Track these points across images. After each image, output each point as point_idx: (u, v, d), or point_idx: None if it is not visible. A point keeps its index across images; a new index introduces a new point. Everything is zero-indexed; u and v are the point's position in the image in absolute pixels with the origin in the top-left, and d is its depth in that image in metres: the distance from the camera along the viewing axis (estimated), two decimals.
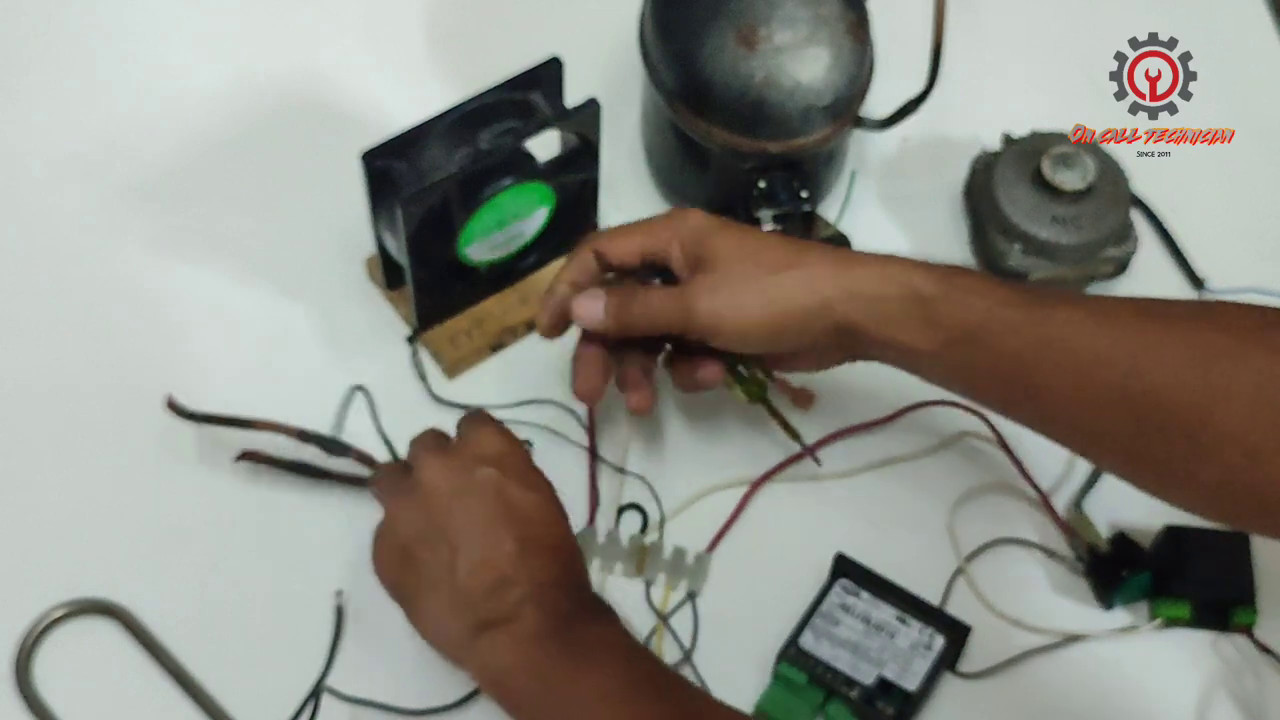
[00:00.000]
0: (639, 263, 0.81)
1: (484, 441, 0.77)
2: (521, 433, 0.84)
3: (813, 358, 0.82)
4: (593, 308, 0.81)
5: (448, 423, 0.89)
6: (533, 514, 0.75)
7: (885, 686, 0.81)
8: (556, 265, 0.95)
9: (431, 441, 0.79)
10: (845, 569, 0.85)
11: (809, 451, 0.87)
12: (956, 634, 0.83)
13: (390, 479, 0.79)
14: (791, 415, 0.87)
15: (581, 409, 0.90)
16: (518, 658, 0.71)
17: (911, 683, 0.81)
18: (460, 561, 0.73)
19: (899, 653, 0.82)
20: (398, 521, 0.76)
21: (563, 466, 0.88)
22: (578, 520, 0.85)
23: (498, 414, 0.89)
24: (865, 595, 0.84)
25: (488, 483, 0.75)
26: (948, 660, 0.83)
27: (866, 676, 0.81)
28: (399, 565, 0.76)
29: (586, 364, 0.83)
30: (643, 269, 0.81)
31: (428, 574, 0.74)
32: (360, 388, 0.90)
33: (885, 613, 0.83)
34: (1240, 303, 0.75)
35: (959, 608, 0.85)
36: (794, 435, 0.86)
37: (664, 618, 0.84)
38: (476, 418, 0.81)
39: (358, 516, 0.87)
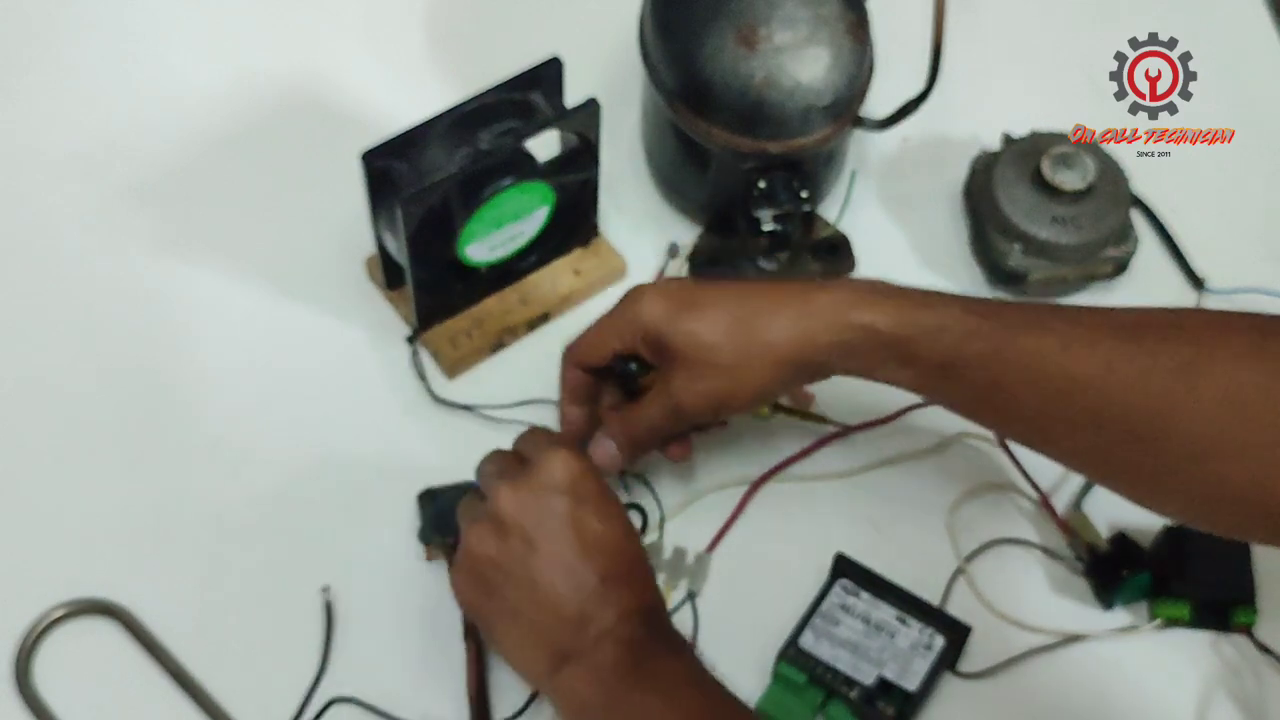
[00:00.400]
0: (614, 360, 0.83)
1: (556, 468, 0.76)
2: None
3: (793, 389, 0.86)
4: (609, 451, 0.83)
5: (446, 422, 0.90)
6: (610, 545, 0.75)
7: (885, 686, 0.81)
8: (557, 265, 0.95)
9: (501, 467, 0.78)
10: (845, 569, 0.85)
11: (845, 431, 0.89)
12: (956, 634, 0.83)
13: (468, 506, 0.79)
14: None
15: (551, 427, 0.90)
16: (596, 692, 0.72)
17: (911, 683, 0.81)
18: (540, 597, 0.73)
19: (899, 653, 0.82)
20: (476, 550, 0.76)
21: None
22: None
23: (495, 414, 0.89)
24: (865, 595, 0.84)
25: (564, 515, 0.74)
26: (948, 660, 0.83)
27: (866, 676, 0.81)
28: (478, 592, 0.76)
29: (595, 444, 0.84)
30: (619, 363, 0.83)
31: (508, 605, 0.74)
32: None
33: (885, 613, 0.83)
34: (1211, 311, 0.76)
35: (959, 608, 0.85)
36: (821, 419, 0.88)
37: None
38: (542, 438, 0.80)
39: (355, 515, 0.87)
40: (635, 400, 0.83)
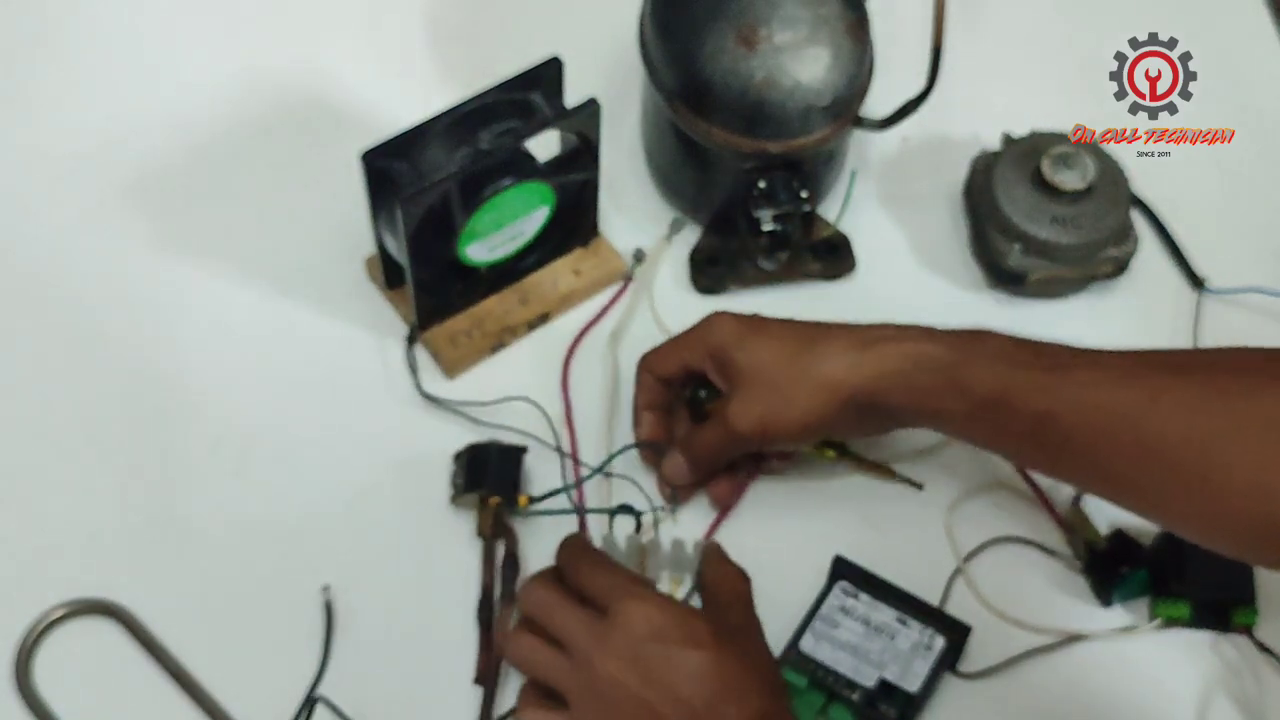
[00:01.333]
0: (683, 375, 0.86)
1: (635, 619, 0.73)
2: (508, 439, 0.86)
3: (859, 432, 0.86)
4: (679, 468, 0.86)
5: (447, 421, 0.89)
6: (708, 668, 0.72)
7: (887, 689, 0.81)
8: (557, 265, 0.95)
9: (584, 622, 0.74)
10: (844, 571, 0.85)
11: (918, 485, 0.90)
12: (956, 634, 0.83)
13: (533, 652, 0.75)
14: None
15: (552, 427, 0.90)
16: None
17: (913, 684, 0.81)
18: None
19: (899, 654, 0.82)
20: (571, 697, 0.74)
21: (551, 473, 0.88)
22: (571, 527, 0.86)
23: (476, 412, 0.89)
24: (864, 597, 0.84)
25: (662, 662, 0.72)
26: (948, 661, 0.83)
27: (868, 679, 0.81)
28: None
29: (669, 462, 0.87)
30: (690, 388, 0.86)
31: None
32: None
33: (885, 614, 0.83)
34: (1255, 347, 0.75)
35: (958, 607, 0.85)
36: (890, 473, 0.89)
37: None
38: (602, 577, 0.76)
39: (356, 515, 0.87)
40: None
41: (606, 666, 0.72)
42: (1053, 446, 0.77)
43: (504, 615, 0.82)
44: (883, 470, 0.89)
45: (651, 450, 0.87)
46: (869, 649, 0.82)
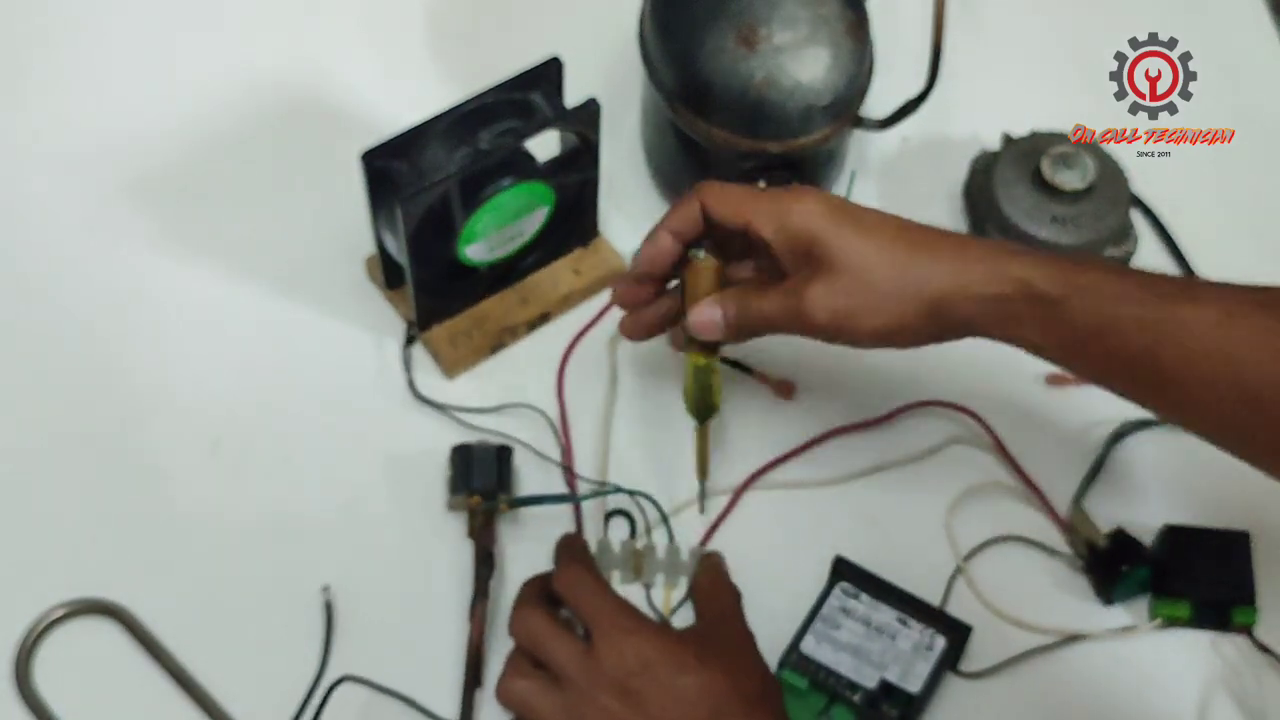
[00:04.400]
0: (737, 231, 0.80)
1: (624, 652, 0.73)
2: (506, 440, 0.86)
3: (924, 343, 0.80)
4: (711, 316, 0.81)
5: (446, 421, 0.89)
6: (704, 702, 0.72)
7: (888, 689, 0.81)
8: (557, 265, 0.95)
9: (575, 657, 0.74)
10: (844, 572, 0.85)
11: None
12: (957, 634, 0.83)
13: (538, 705, 0.75)
14: (775, 409, 0.88)
15: (552, 428, 0.90)
16: None
17: (914, 685, 0.81)
18: None
19: (901, 655, 0.82)
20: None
21: (551, 474, 0.88)
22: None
23: (474, 420, 0.89)
24: (865, 598, 0.84)
25: (653, 691, 0.72)
26: (949, 661, 0.83)
27: (869, 680, 0.81)
28: None
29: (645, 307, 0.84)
30: (737, 239, 0.80)
31: None
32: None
33: (886, 615, 0.83)
34: None
35: (959, 607, 0.85)
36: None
37: (667, 618, 0.84)
38: (586, 602, 0.76)
39: (356, 515, 0.87)
40: (757, 283, 0.81)
41: (598, 700, 0.72)
42: (1153, 386, 0.75)
43: (479, 610, 0.82)
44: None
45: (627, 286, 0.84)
46: (870, 650, 0.82)
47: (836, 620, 0.83)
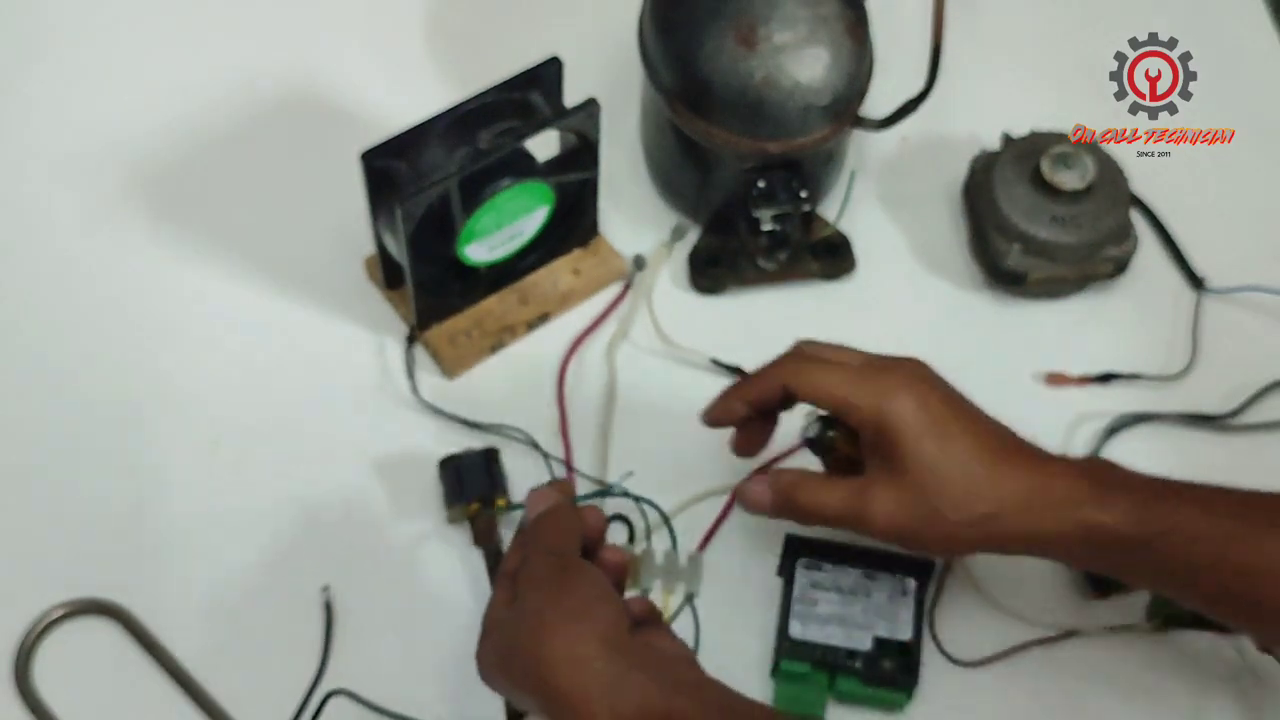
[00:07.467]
0: (818, 423, 0.79)
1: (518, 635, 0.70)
2: (506, 441, 0.86)
3: (965, 554, 0.83)
4: (760, 499, 0.79)
5: (446, 421, 0.89)
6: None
7: (882, 645, 0.82)
8: (556, 265, 0.95)
9: (497, 601, 0.73)
10: (798, 548, 0.85)
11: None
12: (922, 570, 0.84)
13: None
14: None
15: (552, 427, 0.90)
16: None
17: (904, 632, 0.82)
18: None
19: (882, 608, 0.83)
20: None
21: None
22: None
23: (474, 419, 0.89)
24: (827, 566, 0.84)
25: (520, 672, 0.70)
26: (924, 597, 0.83)
27: (863, 642, 0.82)
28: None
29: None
30: (821, 428, 0.79)
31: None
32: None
33: (852, 576, 0.84)
34: None
35: (955, 599, 0.85)
36: None
37: (666, 624, 0.84)
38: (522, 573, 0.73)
39: (356, 515, 0.87)
40: (826, 460, 0.79)
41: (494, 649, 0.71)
42: (1253, 620, 0.76)
43: None
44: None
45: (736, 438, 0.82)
46: (853, 614, 0.82)
47: (811, 597, 0.83)
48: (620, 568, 0.75)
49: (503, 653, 0.71)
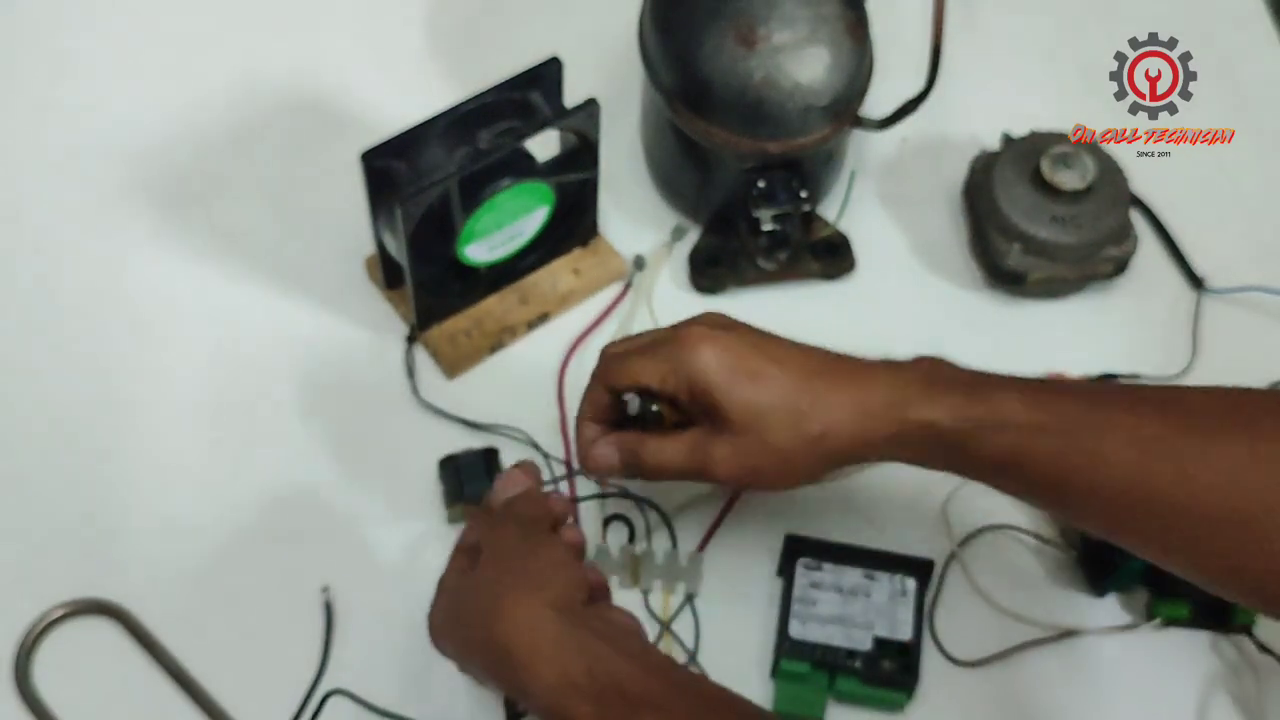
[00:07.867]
0: (640, 395, 0.80)
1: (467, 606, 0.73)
2: (506, 441, 0.87)
3: (819, 480, 0.81)
4: (609, 460, 0.80)
5: (445, 421, 0.89)
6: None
7: (882, 645, 0.82)
8: (556, 265, 0.95)
9: (454, 569, 0.76)
10: (799, 548, 0.85)
11: None
12: (922, 570, 0.84)
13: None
14: None
15: (552, 427, 0.90)
16: None
17: (904, 632, 0.82)
18: None
19: (881, 608, 0.83)
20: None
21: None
22: None
23: (474, 419, 0.89)
24: (828, 566, 0.84)
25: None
26: (924, 598, 0.83)
27: (862, 642, 0.82)
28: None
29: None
30: (643, 404, 0.80)
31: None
32: None
33: (853, 576, 0.84)
34: (1268, 391, 0.73)
35: (954, 597, 0.85)
36: None
37: (666, 624, 0.84)
38: (482, 543, 0.75)
39: (356, 515, 0.87)
40: (660, 429, 0.79)
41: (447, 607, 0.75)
42: (1067, 508, 0.76)
43: None
44: None
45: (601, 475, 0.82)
46: (852, 614, 0.83)
47: (811, 597, 0.83)
48: (578, 546, 0.78)
49: (456, 615, 0.74)
